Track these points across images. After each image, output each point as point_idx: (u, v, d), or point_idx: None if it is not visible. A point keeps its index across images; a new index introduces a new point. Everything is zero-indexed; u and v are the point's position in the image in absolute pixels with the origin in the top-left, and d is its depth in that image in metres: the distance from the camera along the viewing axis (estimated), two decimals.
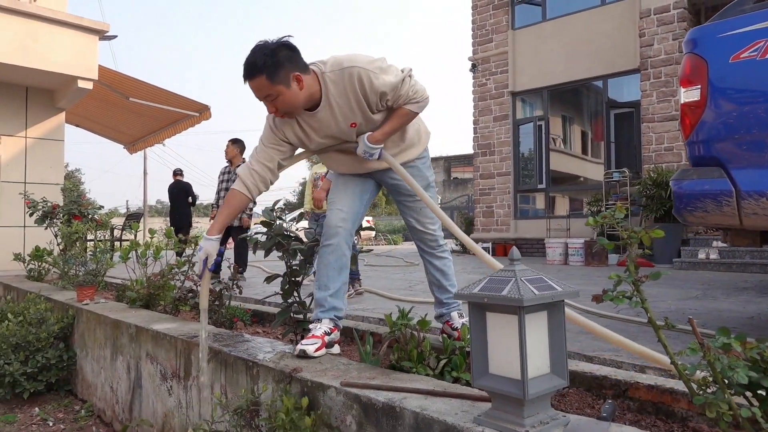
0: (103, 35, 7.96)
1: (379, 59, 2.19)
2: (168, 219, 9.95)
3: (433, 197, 2.54)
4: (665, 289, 4.98)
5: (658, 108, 8.54)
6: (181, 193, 9.98)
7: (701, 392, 1.29)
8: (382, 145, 2.27)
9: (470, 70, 12.03)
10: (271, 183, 2.32)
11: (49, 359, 3.78)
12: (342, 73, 2.13)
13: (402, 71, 2.21)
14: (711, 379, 1.27)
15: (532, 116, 11.21)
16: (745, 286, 5.24)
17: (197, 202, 10.89)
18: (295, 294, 2.65)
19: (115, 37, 8.87)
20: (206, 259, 2.24)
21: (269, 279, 2.68)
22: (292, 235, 2.55)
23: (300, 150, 2.41)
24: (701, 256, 7.10)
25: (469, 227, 12.35)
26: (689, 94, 2.60)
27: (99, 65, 7.89)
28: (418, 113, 2.29)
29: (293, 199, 46.28)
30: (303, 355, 2.10)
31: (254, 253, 2.62)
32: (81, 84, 7.65)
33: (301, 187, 45.75)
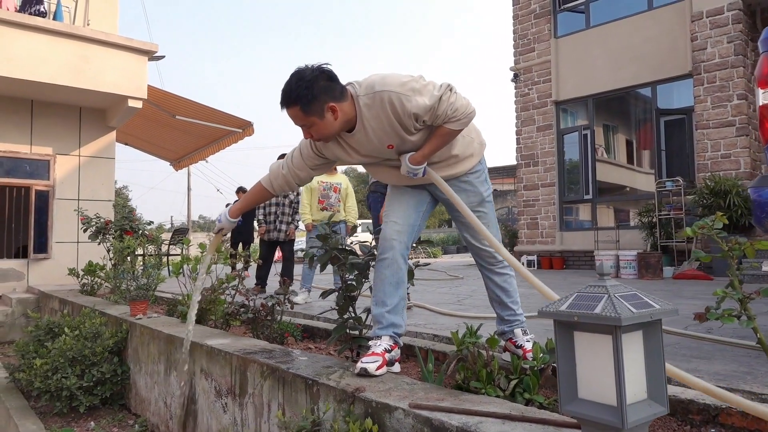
0: (152, 56, 8.19)
1: (414, 79, 2.11)
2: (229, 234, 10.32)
3: (491, 212, 2.45)
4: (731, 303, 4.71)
5: (713, 114, 8.20)
6: (248, 212, 10.31)
7: None
8: (425, 165, 2.22)
9: (512, 80, 11.87)
10: (298, 186, 2.45)
11: (104, 373, 3.82)
12: (374, 97, 2.09)
13: (440, 87, 2.10)
14: None
15: (576, 125, 10.96)
16: None
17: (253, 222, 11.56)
18: (351, 309, 2.58)
19: (163, 57, 9.10)
20: (221, 229, 2.70)
21: (325, 294, 2.62)
22: (348, 248, 2.48)
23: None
24: (765, 268, 6.71)
25: (512, 240, 12.11)
26: None
27: (148, 85, 8.11)
28: (460, 130, 2.19)
29: None
30: (364, 374, 2.03)
31: (309, 267, 2.56)
32: (131, 103, 7.87)
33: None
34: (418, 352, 2.25)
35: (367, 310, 2.64)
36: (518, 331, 2.39)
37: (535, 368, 1.88)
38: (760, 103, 2.46)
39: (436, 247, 28.72)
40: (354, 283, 2.49)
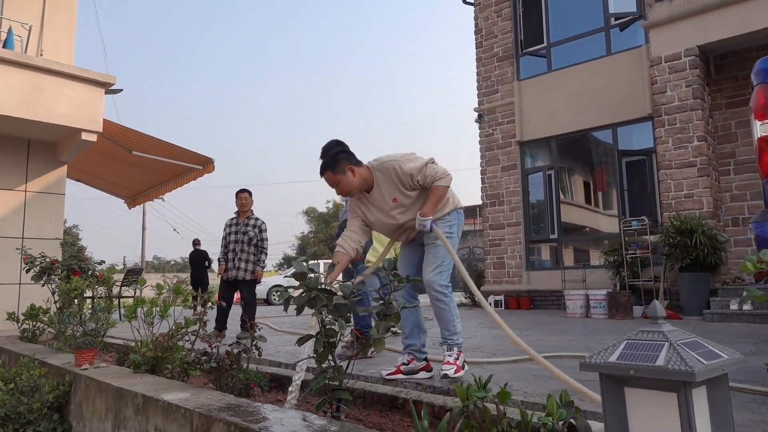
0: (109, 88, 7.85)
1: (409, 154, 3.18)
2: (189, 279, 12.80)
3: (442, 248, 3.18)
4: None
5: (674, 155, 8.37)
6: (199, 259, 12.85)
7: None
8: (431, 218, 3.09)
9: (476, 121, 11.97)
10: (360, 243, 3.24)
11: None
12: (383, 166, 3.14)
13: (426, 159, 3.13)
14: None
15: (540, 165, 11.06)
16: None
17: (212, 265, 13.50)
18: (330, 357, 2.31)
19: (121, 90, 8.79)
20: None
21: (301, 341, 2.34)
22: (328, 289, 2.22)
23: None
24: (733, 307, 6.74)
25: (478, 279, 11.98)
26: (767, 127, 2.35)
27: (103, 119, 7.73)
28: (447, 186, 3.11)
29: (292, 252, 45.83)
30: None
31: (285, 310, 2.29)
32: (85, 136, 7.47)
33: (299, 241, 45.35)
34: (413, 407, 1.99)
35: (348, 358, 2.38)
36: (445, 347, 3.13)
37: (551, 426, 1.65)
38: (758, 135, 2.37)
39: None
40: (335, 327, 2.22)
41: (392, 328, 2.62)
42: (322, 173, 3.13)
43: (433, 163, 3.11)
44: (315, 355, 2.26)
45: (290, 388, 2.45)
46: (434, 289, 3.10)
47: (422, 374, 3.09)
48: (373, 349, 4.26)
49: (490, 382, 1.68)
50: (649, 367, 0.99)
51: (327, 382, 2.27)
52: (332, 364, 2.30)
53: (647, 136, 9.44)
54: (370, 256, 5.25)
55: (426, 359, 3.20)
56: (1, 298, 7.35)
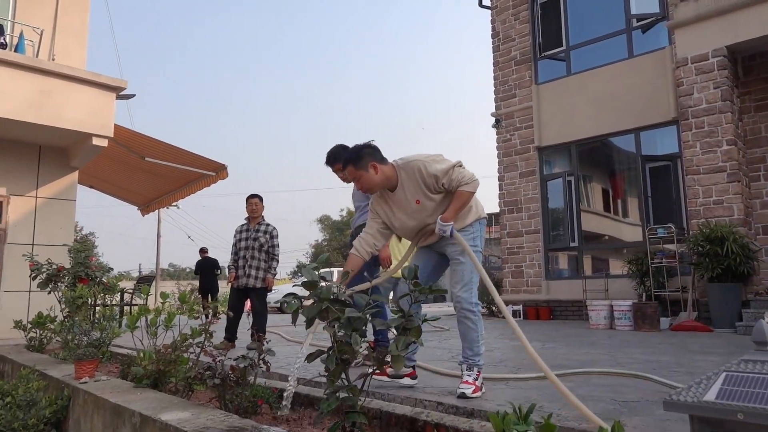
0: (120, 92, 7.73)
1: (436, 155, 3.06)
2: (198, 286, 12.86)
3: (468, 263, 3.06)
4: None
5: (703, 159, 8.02)
6: (208, 267, 12.77)
7: None
8: (452, 223, 2.95)
9: (493, 126, 11.72)
10: (376, 246, 3.16)
11: None
12: (408, 165, 3.02)
13: (453, 162, 3.00)
14: None
15: (560, 172, 10.76)
16: None
17: (222, 272, 13.51)
18: (343, 376, 2.08)
19: (133, 96, 8.69)
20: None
21: (311, 357, 2.11)
22: (342, 300, 2.00)
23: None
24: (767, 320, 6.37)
25: (496, 289, 11.67)
26: None
27: (115, 124, 7.62)
28: (472, 192, 2.98)
29: (306, 260, 45.73)
30: None
31: (294, 323, 2.06)
32: (96, 141, 7.36)
33: (313, 249, 45.24)
34: None
35: (363, 376, 2.14)
36: (465, 366, 2.98)
37: None
38: None
39: None
40: (350, 342, 1.99)
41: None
42: (345, 167, 3.10)
43: (460, 166, 3.00)
44: (326, 373, 2.03)
45: (284, 402, 2.53)
46: (463, 307, 3.02)
47: (406, 380, 3.15)
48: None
49: (511, 400, 1.43)
50: (765, 410, 0.75)
51: (341, 403, 2.04)
52: (346, 383, 2.07)
53: (672, 141, 9.12)
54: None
55: (413, 367, 3.20)
56: (12, 306, 7.24)
